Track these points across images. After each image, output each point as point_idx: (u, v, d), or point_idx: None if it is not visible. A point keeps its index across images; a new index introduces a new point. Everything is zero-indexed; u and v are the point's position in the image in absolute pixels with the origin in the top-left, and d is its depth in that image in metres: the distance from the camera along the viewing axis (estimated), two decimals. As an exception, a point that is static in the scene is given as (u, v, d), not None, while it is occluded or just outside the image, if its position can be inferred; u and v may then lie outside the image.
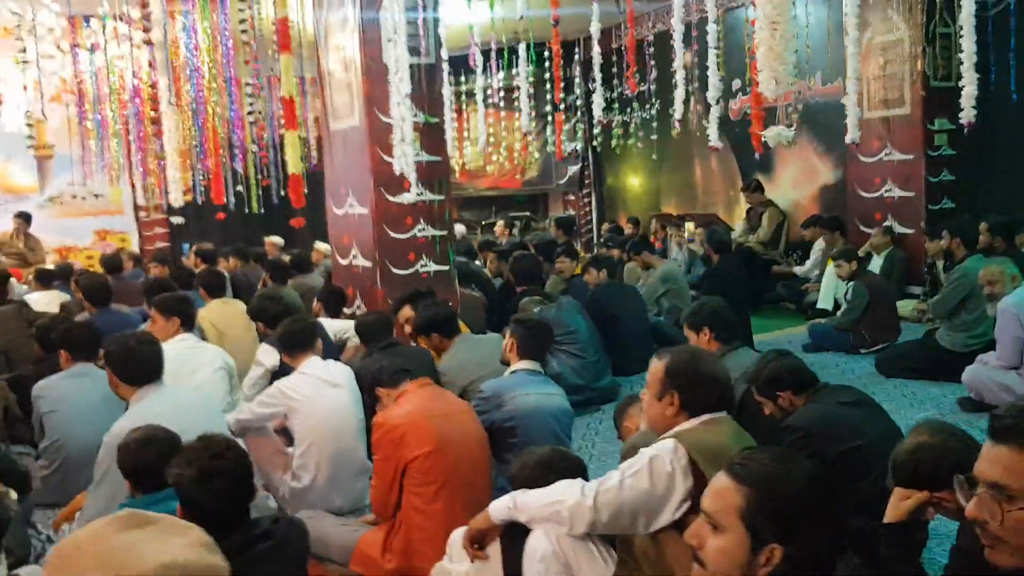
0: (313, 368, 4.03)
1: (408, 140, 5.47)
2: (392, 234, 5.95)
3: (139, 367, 3.47)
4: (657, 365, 2.62)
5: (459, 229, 12.61)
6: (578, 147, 13.56)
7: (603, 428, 5.43)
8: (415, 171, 5.54)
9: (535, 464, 2.63)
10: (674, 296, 7.58)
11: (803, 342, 7.30)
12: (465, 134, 12.47)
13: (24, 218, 10.68)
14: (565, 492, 2.42)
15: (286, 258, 8.65)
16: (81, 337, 4.44)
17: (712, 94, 6.25)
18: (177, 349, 4.73)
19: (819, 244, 9.21)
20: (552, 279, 7.89)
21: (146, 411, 3.43)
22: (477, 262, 8.85)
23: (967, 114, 6.04)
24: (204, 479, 2.23)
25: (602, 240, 10.58)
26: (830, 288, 8.29)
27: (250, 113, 8.26)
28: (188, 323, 4.89)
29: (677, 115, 7.05)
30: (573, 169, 14.08)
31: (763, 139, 4.37)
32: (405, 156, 5.47)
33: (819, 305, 8.33)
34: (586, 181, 14.20)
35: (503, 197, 14.59)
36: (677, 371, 2.57)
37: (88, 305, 6.73)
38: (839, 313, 7.28)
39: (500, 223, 12.49)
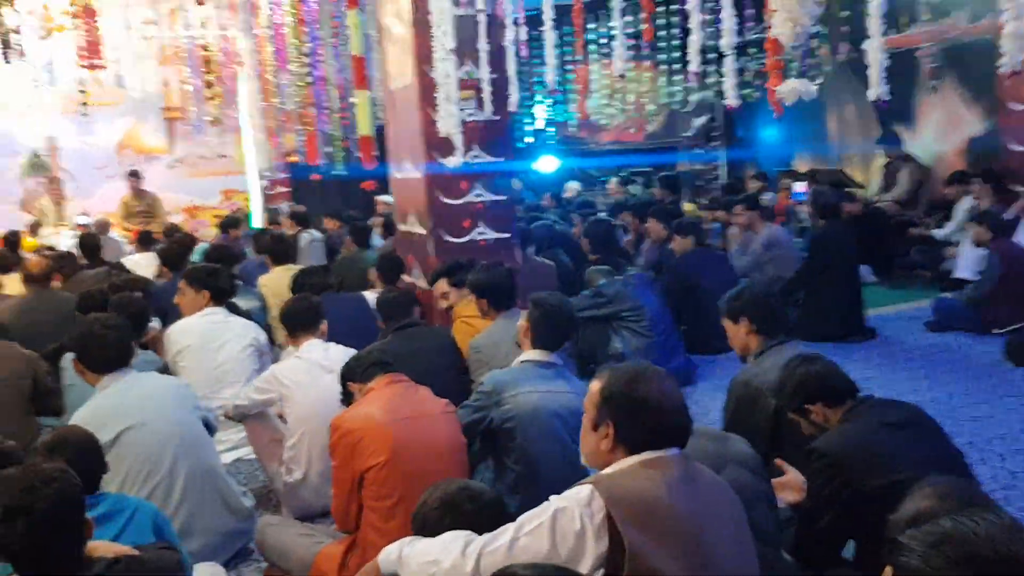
0: (311, 352, 3.71)
1: (453, 99, 5.03)
2: (445, 199, 5.54)
3: (102, 353, 3.25)
4: (594, 385, 2.11)
5: (572, 186, 12.13)
6: (705, 97, 12.65)
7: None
8: (464, 132, 5.12)
9: (437, 502, 2.17)
10: (780, 264, 6.82)
11: (928, 318, 6.41)
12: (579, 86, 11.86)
13: (135, 175, 10.90)
14: (445, 550, 1.97)
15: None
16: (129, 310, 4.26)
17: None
18: (203, 323, 4.55)
19: (964, 204, 8.06)
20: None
21: (108, 401, 3.22)
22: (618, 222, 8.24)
23: None
24: (5, 517, 1.88)
25: (707, 202, 9.78)
26: (971, 255, 7.24)
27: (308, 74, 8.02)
28: (218, 296, 4.69)
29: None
30: (699, 121, 13.18)
31: (777, 96, 3.63)
32: (451, 116, 5.04)
33: (956, 274, 7.29)
34: (714, 134, 13.27)
35: (628, 151, 13.88)
36: (612, 394, 2.05)
37: (165, 270, 6.75)
38: (969, 286, 6.32)
39: (614, 180, 11.86)
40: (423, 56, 5.34)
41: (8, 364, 4.13)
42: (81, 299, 4.87)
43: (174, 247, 6.74)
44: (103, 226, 9.13)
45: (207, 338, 4.49)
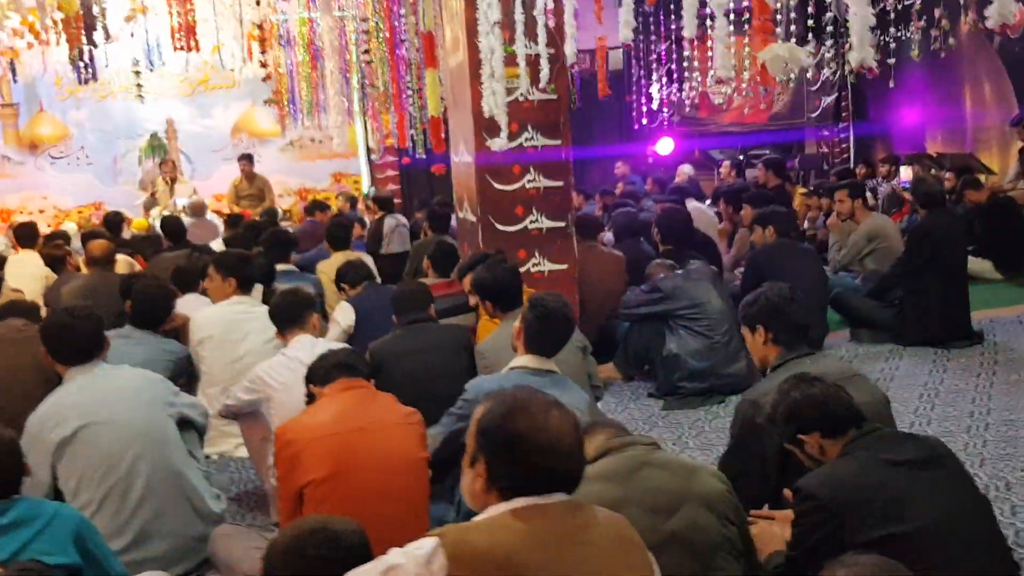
0: (298, 350, 3.47)
1: (498, 76, 4.67)
2: (496, 185, 5.20)
3: (69, 344, 3.11)
4: (475, 414, 1.75)
5: (684, 169, 11.51)
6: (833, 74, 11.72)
7: (716, 424, 4.40)
8: (514, 112, 4.76)
9: (282, 545, 1.84)
10: (882, 257, 6.12)
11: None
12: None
13: (247, 159, 11.08)
14: None
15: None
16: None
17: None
18: (227, 313, 4.41)
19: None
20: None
21: (70, 396, 3.08)
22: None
23: None
24: None
25: (812, 188, 9.00)
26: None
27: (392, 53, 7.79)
28: (245, 284, 4.55)
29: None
30: (827, 100, 12.25)
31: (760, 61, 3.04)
32: (494, 94, 4.69)
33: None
34: (843, 114, 12.30)
35: (751, 132, 13.09)
36: (486, 428, 1.70)
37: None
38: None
39: (726, 163, 11.17)
40: (472, 29, 5.00)
41: (31, 349, 4.10)
42: (122, 282, 4.84)
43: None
44: (198, 208, 9.28)
45: (229, 329, 4.34)
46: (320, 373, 2.88)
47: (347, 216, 8.57)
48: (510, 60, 4.82)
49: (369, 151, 12.92)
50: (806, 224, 8.30)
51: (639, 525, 2.07)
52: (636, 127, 12.25)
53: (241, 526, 3.38)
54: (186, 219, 8.57)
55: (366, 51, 8.18)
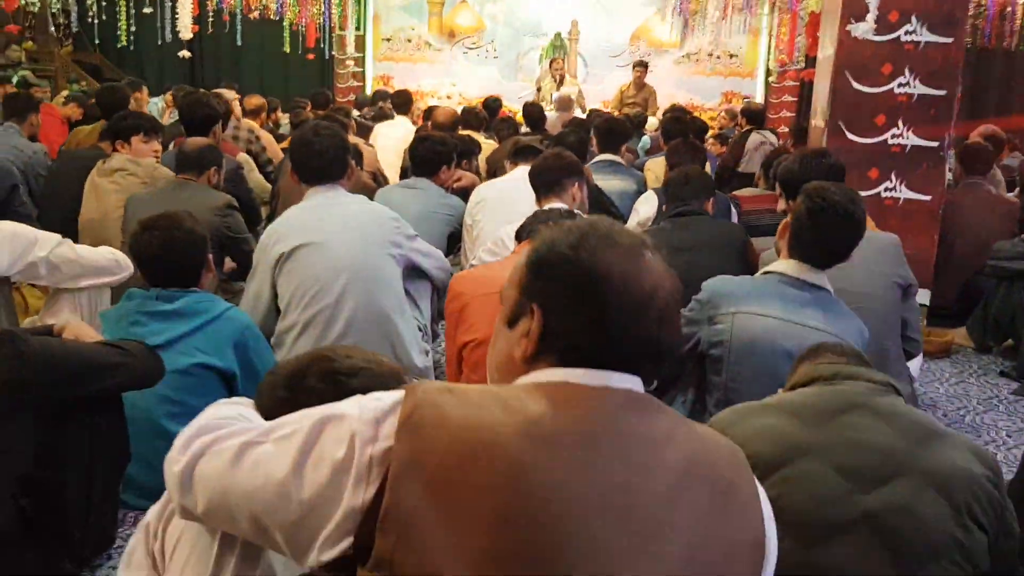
0: (545, 215, 3.06)
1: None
2: (855, 85, 4.28)
3: (306, 160, 2.98)
4: (527, 249, 1.19)
5: None
6: None
7: None
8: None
9: (287, 367, 1.41)
10: None
11: None
12: None
13: (641, 66, 10.80)
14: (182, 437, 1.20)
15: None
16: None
17: None
18: (507, 182, 4.14)
19: None
20: None
21: (301, 214, 2.99)
22: None
23: None
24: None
25: None
26: None
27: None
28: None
29: None
30: None
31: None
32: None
33: None
34: None
35: None
36: (544, 260, 1.13)
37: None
38: None
39: None
40: None
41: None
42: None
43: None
44: (565, 102, 9.12)
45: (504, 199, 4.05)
46: (525, 229, 2.45)
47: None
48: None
49: (767, 72, 11.94)
50: None
51: (819, 489, 1.41)
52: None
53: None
54: (550, 112, 8.50)
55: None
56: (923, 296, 4.27)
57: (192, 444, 1.15)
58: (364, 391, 1.15)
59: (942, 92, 4.21)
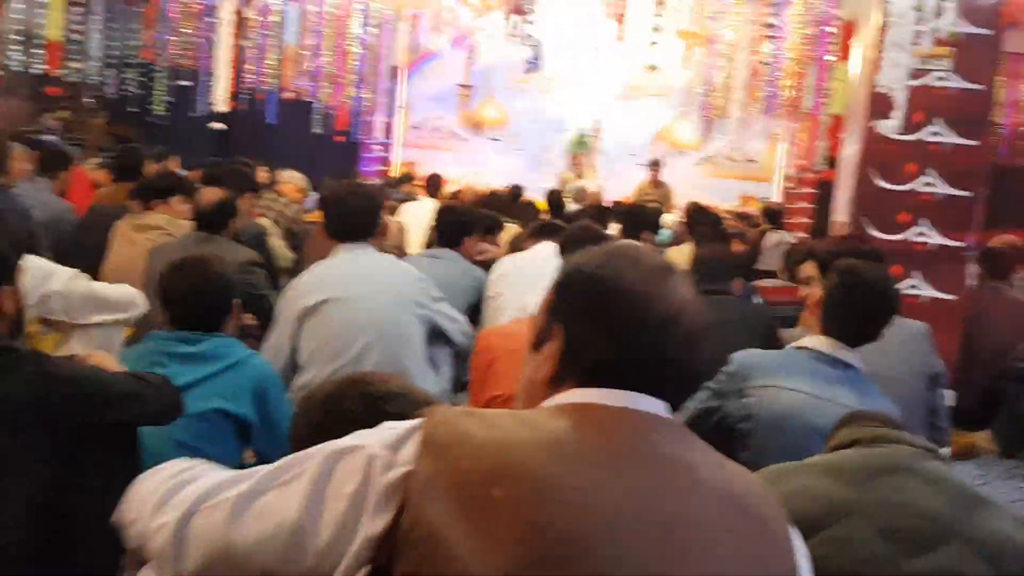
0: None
1: (906, 45, 3.84)
2: (879, 182, 4.33)
3: (338, 217, 3.02)
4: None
5: None
6: None
7: None
8: (916, 96, 3.88)
9: (324, 392, 1.37)
10: None
11: None
12: None
13: (655, 165, 11.04)
14: (153, 493, 1.17)
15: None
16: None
17: None
18: (526, 257, 4.15)
19: None
20: None
21: (328, 269, 3.00)
22: None
23: None
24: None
25: None
26: None
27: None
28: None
29: None
30: None
31: None
32: (896, 67, 3.87)
33: None
34: None
35: None
36: (571, 280, 1.14)
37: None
38: None
39: None
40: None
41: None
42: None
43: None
44: (580, 194, 9.27)
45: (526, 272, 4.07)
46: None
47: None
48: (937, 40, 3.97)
49: (785, 178, 12.13)
50: None
51: (863, 553, 1.36)
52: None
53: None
54: (569, 204, 8.62)
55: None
56: (947, 397, 4.21)
57: (170, 501, 1.11)
58: (400, 417, 1.14)
59: (967, 193, 4.24)
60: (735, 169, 12.45)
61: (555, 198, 7.68)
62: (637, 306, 1.06)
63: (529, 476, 0.95)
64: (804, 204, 11.89)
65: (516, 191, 8.98)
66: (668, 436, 1.06)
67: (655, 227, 6.11)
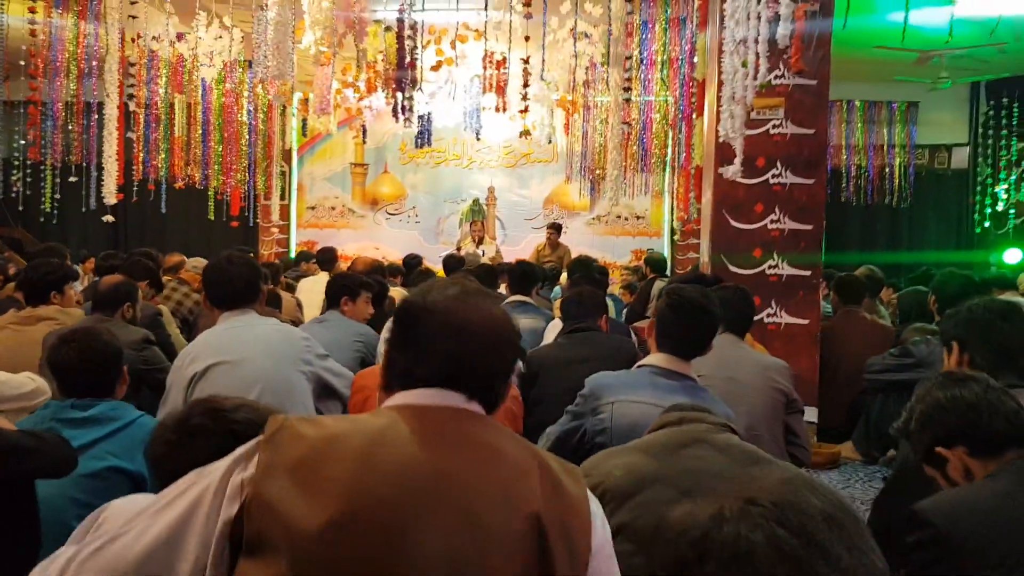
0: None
1: (738, 97, 4.28)
2: (733, 222, 4.74)
3: (220, 288, 3.18)
4: None
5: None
6: None
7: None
8: (754, 144, 4.31)
9: (173, 420, 1.58)
10: None
11: None
12: None
13: (554, 228, 11.43)
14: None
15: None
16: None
17: None
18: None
19: None
20: None
21: (214, 336, 3.15)
22: None
23: None
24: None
25: None
26: None
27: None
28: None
29: None
30: None
31: None
32: (733, 118, 4.30)
33: None
34: None
35: None
36: (397, 310, 1.42)
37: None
38: None
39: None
40: (718, 49, 4.67)
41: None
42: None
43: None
44: (472, 260, 9.60)
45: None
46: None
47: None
48: (769, 91, 4.43)
49: (673, 231, 12.74)
50: None
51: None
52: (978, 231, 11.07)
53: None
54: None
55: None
56: (811, 414, 4.59)
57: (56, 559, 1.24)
58: (247, 424, 1.36)
59: (809, 227, 4.68)
60: (626, 227, 13.00)
61: (452, 263, 7.95)
62: (434, 320, 1.32)
63: (352, 456, 1.19)
64: (692, 255, 12.55)
65: (414, 260, 9.23)
66: (470, 422, 1.30)
67: (543, 283, 6.45)
